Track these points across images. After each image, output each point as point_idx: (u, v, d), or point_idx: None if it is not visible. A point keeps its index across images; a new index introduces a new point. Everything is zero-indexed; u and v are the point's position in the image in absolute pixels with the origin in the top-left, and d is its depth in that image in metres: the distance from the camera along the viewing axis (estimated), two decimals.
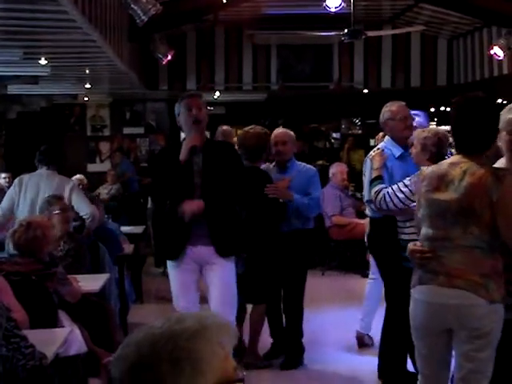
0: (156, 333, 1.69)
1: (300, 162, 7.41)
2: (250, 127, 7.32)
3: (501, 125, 4.22)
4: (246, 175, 6.26)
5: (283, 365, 7.13)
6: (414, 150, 5.79)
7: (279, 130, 7.43)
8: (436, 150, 5.59)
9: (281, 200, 6.96)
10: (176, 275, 6.03)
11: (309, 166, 7.52)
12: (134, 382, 1.65)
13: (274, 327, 7.41)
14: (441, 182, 4.15)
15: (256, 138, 7.12)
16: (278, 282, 7.16)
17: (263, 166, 7.26)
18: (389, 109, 6.28)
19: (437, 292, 4.13)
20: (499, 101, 11.91)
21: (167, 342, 1.67)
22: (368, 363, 7.03)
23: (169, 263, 6.07)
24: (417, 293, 4.28)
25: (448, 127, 5.37)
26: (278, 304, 7.30)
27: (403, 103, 6.36)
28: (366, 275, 10.91)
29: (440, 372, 4.34)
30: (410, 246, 4.36)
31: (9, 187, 9.90)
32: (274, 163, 7.35)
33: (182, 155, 5.82)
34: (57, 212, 6.87)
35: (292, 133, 7.42)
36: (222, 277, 5.90)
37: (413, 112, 7.23)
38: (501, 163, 4.39)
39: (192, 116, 5.86)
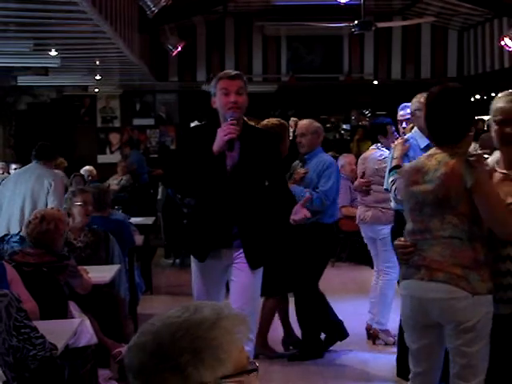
0: (175, 322, 1.70)
1: (324, 154, 7.19)
2: (266, 120, 7.06)
3: (491, 114, 4.15)
4: (284, 177, 5.58)
5: (291, 357, 7.08)
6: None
7: (302, 122, 7.25)
8: None
9: None
10: (201, 277, 5.36)
11: (327, 158, 7.20)
12: (155, 370, 1.66)
13: (302, 320, 7.19)
14: (418, 174, 4.12)
15: (273, 129, 6.75)
16: (295, 276, 7.03)
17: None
18: (418, 100, 6.18)
19: (419, 286, 4.08)
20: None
21: (187, 331, 1.68)
22: (378, 355, 7.04)
23: (194, 261, 5.38)
24: (401, 288, 4.26)
25: None
26: (304, 297, 7.13)
27: None
28: None
29: (432, 370, 4.27)
30: (396, 241, 4.32)
31: None
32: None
33: (217, 146, 4.91)
34: (78, 204, 6.96)
35: (316, 124, 7.20)
36: (244, 276, 5.19)
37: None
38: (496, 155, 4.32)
39: (229, 103, 4.94)
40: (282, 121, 7.20)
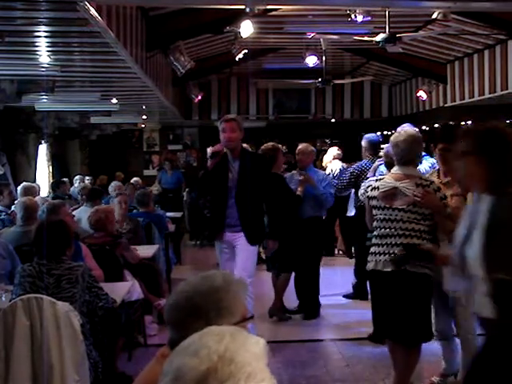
0: (203, 289, 1.77)
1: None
2: (263, 146, 6.70)
3: None
4: (271, 181, 5.45)
5: (306, 317, 6.66)
6: None
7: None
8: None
9: (298, 193, 6.38)
10: (219, 253, 5.50)
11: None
12: (188, 322, 1.71)
13: (299, 292, 6.81)
14: None
15: (268, 151, 6.51)
16: (302, 258, 6.61)
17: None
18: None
19: None
20: (424, 127, 11.90)
21: (212, 295, 1.75)
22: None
23: (216, 242, 5.49)
24: None
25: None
26: (303, 274, 6.73)
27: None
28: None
29: None
30: None
31: (92, 186, 9.93)
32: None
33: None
34: (118, 200, 6.96)
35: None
36: (244, 250, 5.25)
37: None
38: None
39: (225, 138, 5.24)
40: (276, 145, 6.78)
